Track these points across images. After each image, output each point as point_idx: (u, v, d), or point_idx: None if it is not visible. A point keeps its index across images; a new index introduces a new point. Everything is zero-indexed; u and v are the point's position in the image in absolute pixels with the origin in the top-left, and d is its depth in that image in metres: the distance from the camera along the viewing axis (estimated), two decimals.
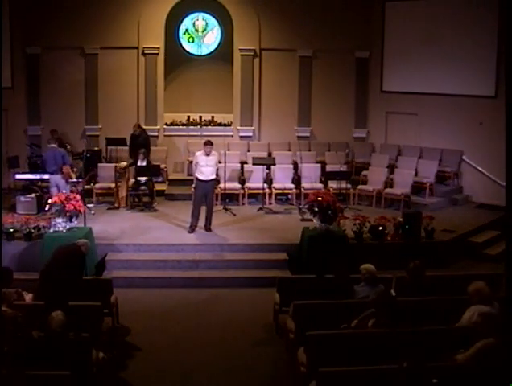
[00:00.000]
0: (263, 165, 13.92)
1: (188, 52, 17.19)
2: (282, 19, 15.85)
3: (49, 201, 10.55)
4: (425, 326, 6.78)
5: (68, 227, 10.34)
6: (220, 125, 16.57)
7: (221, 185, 13.33)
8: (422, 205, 13.36)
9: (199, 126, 16.54)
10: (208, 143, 11.57)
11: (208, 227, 11.59)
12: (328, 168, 14.34)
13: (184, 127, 16.51)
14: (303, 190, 13.68)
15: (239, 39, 15.97)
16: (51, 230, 10.42)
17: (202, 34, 17.21)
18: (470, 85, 14.42)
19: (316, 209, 10.53)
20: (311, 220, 10.89)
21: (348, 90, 16.25)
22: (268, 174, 14.02)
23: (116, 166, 13.80)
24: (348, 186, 13.72)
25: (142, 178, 13.35)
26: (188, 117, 16.72)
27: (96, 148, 15.28)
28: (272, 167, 14.09)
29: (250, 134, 16.23)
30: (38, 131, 15.56)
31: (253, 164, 14.06)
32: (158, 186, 13.86)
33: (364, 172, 14.77)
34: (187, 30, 17.17)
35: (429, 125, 15.12)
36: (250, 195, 13.91)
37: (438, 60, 14.84)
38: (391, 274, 8.61)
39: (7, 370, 5.30)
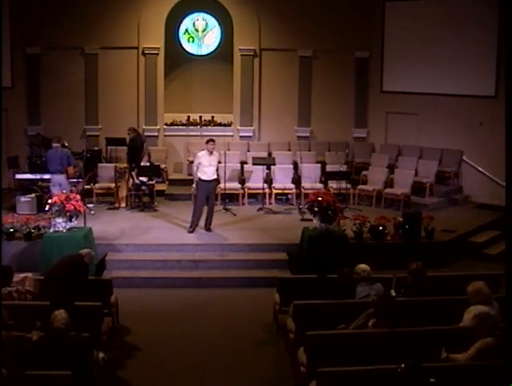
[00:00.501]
0: (263, 165, 13.92)
1: (188, 52, 17.19)
2: (282, 19, 15.85)
3: (49, 201, 10.55)
4: (425, 326, 6.78)
5: (68, 227, 10.33)
6: (220, 125, 16.58)
7: (221, 185, 13.32)
8: (422, 205, 13.36)
9: (199, 126, 16.55)
10: (211, 140, 11.56)
11: (208, 228, 11.59)
12: (328, 168, 14.34)
13: (184, 127, 16.53)
14: (303, 190, 13.69)
15: (239, 38, 15.97)
16: (51, 230, 10.42)
17: (202, 34, 17.21)
18: (470, 85, 14.42)
19: (316, 209, 10.53)
20: (311, 220, 10.89)
21: (348, 90, 16.25)
22: (268, 174, 14.02)
23: (116, 166, 13.80)
24: (348, 186, 13.72)
25: (144, 179, 13.34)
26: (188, 117, 16.73)
27: (96, 148, 15.28)
28: (272, 167, 14.09)
29: (250, 134, 16.24)
30: (38, 131, 15.55)
31: (253, 164, 14.07)
32: (158, 186, 13.85)
33: (364, 172, 14.77)
34: (187, 30, 17.17)
35: (429, 125, 15.13)
36: (250, 195, 13.91)
37: (438, 60, 14.84)
38: (391, 274, 8.61)
39: (7, 370, 5.29)
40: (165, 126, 16.23)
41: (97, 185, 13.77)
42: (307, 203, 11.02)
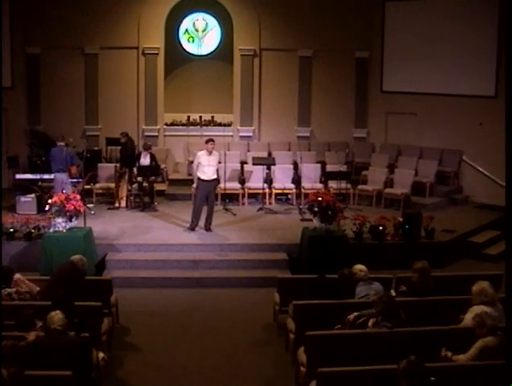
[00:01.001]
0: (263, 165, 13.91)
1: (188, 52, 17.18)
2: (282, 19, 15.86)
3: (49, 201, 10.55)
4: (425, 326, 6.78)
5: (68, 227, 10.32)
6: (220, 125, 16.57)
7: (221, 185, 13.32)
8: (422, 205, 13.35)
9: (199, 126, 16.55)
10: (211, 140, 11.57)
11: (208, 228, 11.59)
12: (328, 168, 14.34)
13: (184, 127, 16.53)
14: (303, 190, 13.68)
15: (239, 38, 15.98)
16: (51, 230, 10.41)
17: (202, 34, 17.20)
18: (470, 85, 14.42)
19: (316, 209, 10.53)
20: (311, 220, 10.89)
21: (349, 90, 16.25)
22: (268, 174, 14.02)
23: (116, 166, 13.80)
24: (348, 186, 13.71)
25: (140, 179, 13.35)
26: (188, 117, 16.73)
27: (96, 148, 15.28)
28: (272, 167, 14.09)
29: (250, 134, 16.24)
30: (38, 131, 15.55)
31: (253, 164, 14.06)
32: (158, 186, 13.85)
33: (364, 172, 14.76)
34: (187, 30, 17.16)
35: (429, 125, 15.13)
36: (250, 195, 13.91)
37: (438, 60, 14.85)
38: (391, 274, 8.61)
39: (7, 371, 5.29)
40: (165, 126, 16.23)
41: (97, 185, 13.77)
42: (307, 203, 11.02)
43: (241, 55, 16.01)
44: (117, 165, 13.93)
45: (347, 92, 16.24)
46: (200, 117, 16.69)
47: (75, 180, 12.40)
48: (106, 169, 14.04)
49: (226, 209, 12.96)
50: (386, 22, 15.78)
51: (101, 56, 15.72)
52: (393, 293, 7.63)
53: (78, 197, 10.50)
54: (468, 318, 6.58)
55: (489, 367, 5.79)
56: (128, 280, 10.04)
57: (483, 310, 6.43)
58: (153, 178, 13.52)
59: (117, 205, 13.36)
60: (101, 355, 6.90)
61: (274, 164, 14.09)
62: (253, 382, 7.20)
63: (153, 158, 13.44)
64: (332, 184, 13.75)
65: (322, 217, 10.51)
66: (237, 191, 13.79)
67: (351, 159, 15.75)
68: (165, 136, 16.15)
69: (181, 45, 17.11)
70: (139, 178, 13.34)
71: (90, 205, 12.74)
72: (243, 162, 14.77)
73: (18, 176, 13.43)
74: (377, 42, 16.01)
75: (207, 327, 8.64)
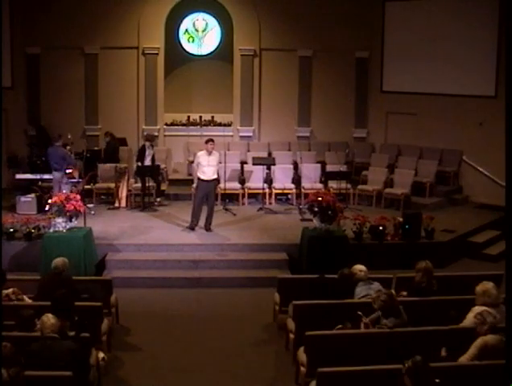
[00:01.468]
0: (263, 165, 13.91)
1: (188, 52, 17.19)
2: (282, 19, 15.86)
3: (49, 201, 10.55)
4: (425, 326, 6.78)
5: (68, 227, 10.32)
6: (220, 125, 16.58)
7: (221, 185, 13.32)
8: (422, 205, 13.35)
9: (199, 126, 16.56)
10: (210, 140, 11.58)
11: (208, 228, 11.59)
12: (328, 168, 14.34)
13: (184, 127, 16.54)
14: (303, 190, 13.68)
15: (239, 39, 15.98)
16: (51, 230, 10.41)
17: (202, 34, 17.21)
18: (470, 85, 14.42)
19: (316, 209, 10.53)
20: (311, 220, 10.89)
21: (348, 90, 16.25)
22: (268, 174, 14.01)
23: (116, 166, 13.81)
24: (348, 186, 13.71)
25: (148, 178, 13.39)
26: (188, 117, 16.74)
27: (96, 148, 15.27)
28: (272, 167, 14.08)
29: (250, 134, 16.24)
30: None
31: (253, 164, 14.05)
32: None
33: (364, 172, 14.76)
34: (187, 30, 17.16)
35: (429, 125, 15.12)
36: (250, 195, 13.91)
37: (438, 60, 14.85)
38: (391, 274, 8.61)
39: (7, 372, 5.28)
40: (165, 126, 16.24)
41: (97, 185, 13.77)
42: (307, 203, 11.01)
43: (241, 55, 16.01)
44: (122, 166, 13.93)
45: (347, 92, 16.24)
46: (200, 117, 16.69)
47: (75, 180, 12.39)
48: (106, 169, 14.03)
49: (226, 209, 12.96)
50: (386, 22, 15.79)
51: (101, 56, 15.72)
52: (393, 293, 7.62)
53: (78, 197, 10.50)
54: (469, 318, 6.58)
55: (489, 367, 5.79)
56: (128, 280, 10.03)
57: (485, 310, 6.42)
58: (160, 178, 13.61)
59: (117, 205, 13.36)
60: (101, 355, 6.90)
61: (274, 164, 14.09)
62: (253, 382, 7.19)
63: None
64: (332, 184, 13.74)
65: (322, 217, 10.51)
66: (237, 191, 13.79)
67: (351, 159, 15.74)
68: (165, 136, 16.16)
69: (181, 45, 17.11)
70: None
71: (90, 205, 12.74)
72: (243, 162, 14.77)
73: (18, 176, 13.44)
74: (377, 42, 16.01)
75: (207, 327, 8.64)
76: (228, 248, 11.04)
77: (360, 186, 14.12)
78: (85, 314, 6.96)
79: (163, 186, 14.46)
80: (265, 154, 15.15)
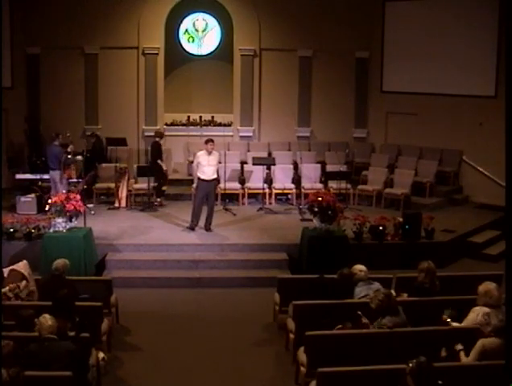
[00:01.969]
0: (263, 165, 13.92)
1: (188, 52, 17.18)
2: (282, 19, 15.85)
3: (49, 201, 10.55)
4: (425, 326, 6.77)
5: (68, 227, 10.33)
6: (220, 125, 16.57)
7: (221, 185, 13.33)
8: (422, 205, 13.35)
9: (199, 126, 16.55)
10: (210, 140, 11.58)
11: (208, 228, 11.59)
12: (328, 168, 14.34)
13: (184, 127, 16.53)
14: (303, 190, 13.68)
15: (239, 39, 15.98)
16: (51, 230, 10.41)
17: (202, 34, 17.20)
18: (470, 85, 14.42)
19: (316, 209, 10.53)
20: (311, 220, 10.89)
21: (348, 90, 16.25)
22: (268, 174, 14.02)
23: (116, 166, 13.81)
24: (348, 186, 13.72)
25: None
26: (188, 117, 16.73)
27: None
28: (272, 167, 14.09)
29: (250, 134, 16.23)
30: (38, 131, 15.54)
31: (253, 164, 14.05)
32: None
33: (364, 172, 14.76)
34: (187, 30, 17.16)
35: (429, 125, 15.12)
36: (250, 195, 13.92)
37: (438, 60, 14.84)
38: (391, 274, 8.61)
39: (7, 372, 5.28)
40: (165, 126, 16.23)
41: (97, 185, 13.77)
42: (307, 203, 11.02)
43: (241, 55, 16.00)
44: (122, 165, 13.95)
45: (347, 92, 16.23)
46: (200, 117, 16.68)
47: (74, 180, 12.38)
48: (106, 169, 14.03)
49: (226, 209, 12.96)
50: (386, 22, 15.78)
51: (101, 56, 15.72)
52: (393, 293, 7.62)
53: (78, 197, 10.50)
54: (469, 318, 6.57)
55: (489, 367, 5.80)
56: (128, 280, 10.03)
57: (485, 311, 6.41)
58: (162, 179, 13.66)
59: (117, 205, 13.36)
60: (101, 355, 6.91)
61: (274, 164, 14.09)
62: (253, 382, 7.20)
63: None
64: (332, 184, 13.74)
65: (322, 217, 10.51)
66: (237, 191, 13.80)
67: (351, 159, 15.74)
68: (165, 136, 16.12)
69: (181, 45, 17.11)
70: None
71: (90, 205, 12.74)
72: (243, 162, 14.78)
73: (18, 176, 13.45)
74: (377, 42, 16.01)
75: (207, 327, 8.64)
76: (228, 248, 11.04)
77: (360, 187, 14.12)
78: (85, 314, 6.96)
79: (163, 187, 14.45)
80: (265, 154, 15.15)
